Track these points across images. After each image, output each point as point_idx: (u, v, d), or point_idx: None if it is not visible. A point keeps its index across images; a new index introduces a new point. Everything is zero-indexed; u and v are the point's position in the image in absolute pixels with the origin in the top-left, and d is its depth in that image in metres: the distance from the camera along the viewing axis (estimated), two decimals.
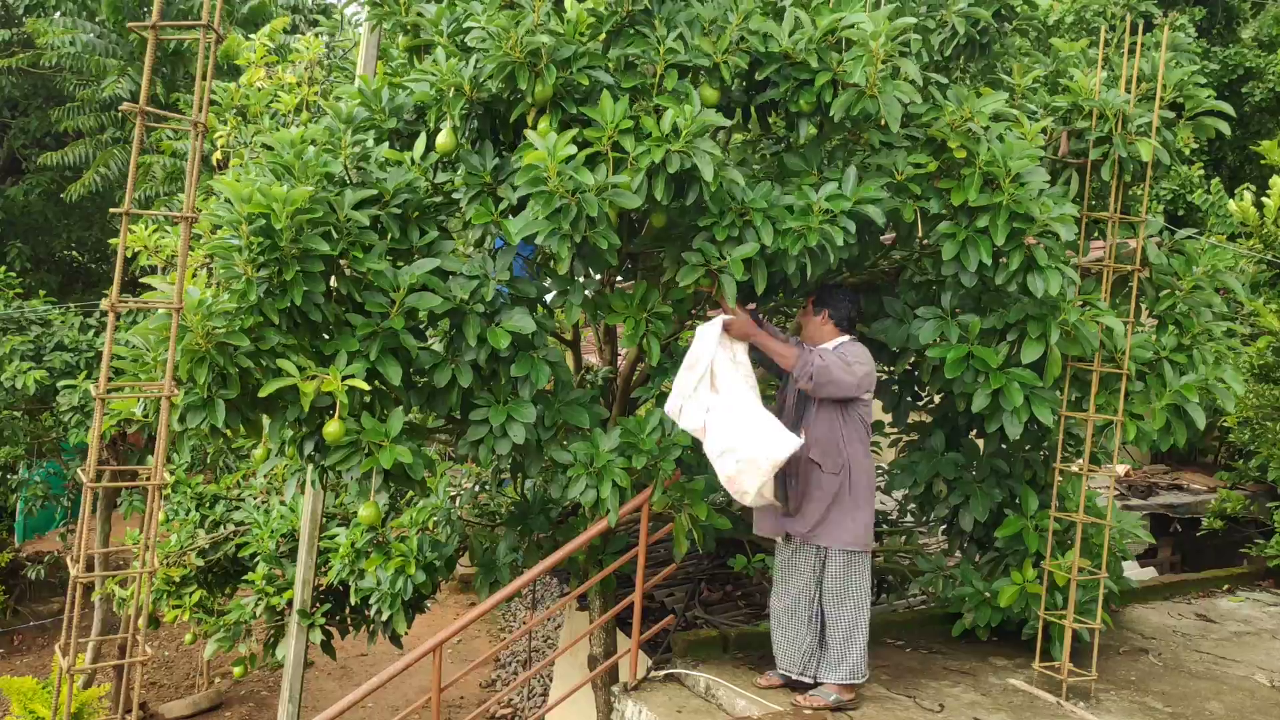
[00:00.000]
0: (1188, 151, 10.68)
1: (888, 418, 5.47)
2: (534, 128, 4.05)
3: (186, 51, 12.74)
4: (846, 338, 4.54)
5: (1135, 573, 7.65)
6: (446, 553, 5.30)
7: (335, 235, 3.99)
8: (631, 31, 4.22)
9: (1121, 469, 9.72)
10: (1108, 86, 4.85)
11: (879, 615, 5.93)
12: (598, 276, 4.61)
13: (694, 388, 4.18)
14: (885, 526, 6.74)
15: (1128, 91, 4.79)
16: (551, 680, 9.80)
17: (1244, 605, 6.84)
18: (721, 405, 4.15)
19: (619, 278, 5.18)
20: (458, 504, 5.74)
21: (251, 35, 6.88)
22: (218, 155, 6.53)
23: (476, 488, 5.98)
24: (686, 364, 4.24)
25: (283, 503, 6.34)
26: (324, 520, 5.97)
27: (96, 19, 13.70)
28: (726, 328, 4.27)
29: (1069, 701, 4.69)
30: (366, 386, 3.99)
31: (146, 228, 6.57)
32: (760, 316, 4.50)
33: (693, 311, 4.82)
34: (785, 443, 4.11)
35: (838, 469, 4.40)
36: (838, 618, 4.47)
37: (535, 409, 4.30)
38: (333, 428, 4.00)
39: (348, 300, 4.16)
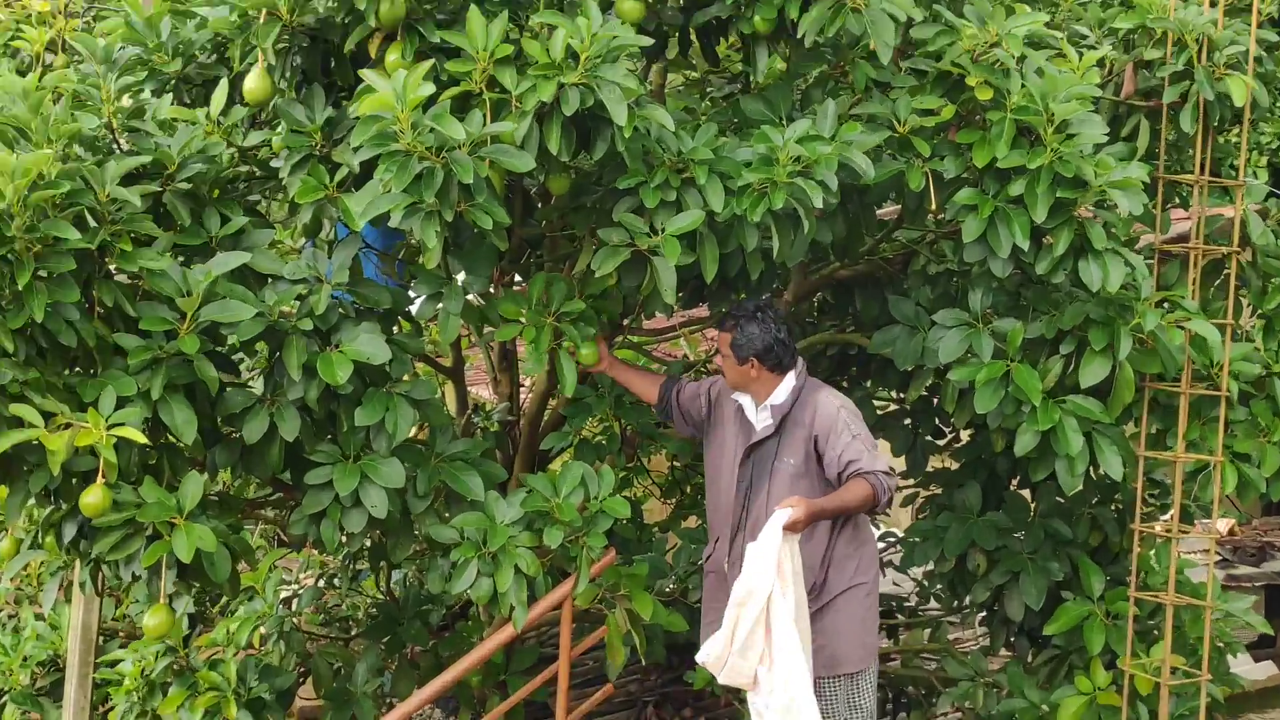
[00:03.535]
0: None
1: (900, 464, 5.49)
2: (381, 62, 4.02)
3: None
4: (794, 377, 4.41)
5: (1247, 669, 7.65)
6: (282, 683, 5.18)
7: (94, 222, 3.91)
8: None
9: (1224, 525, 9.77)
10: (1186, 3, 4.92)
11: None
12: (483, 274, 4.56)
13: (746, 635, 4.06)
14: (900, 617, 6.77)
15: (1213, 7, 4.86)
16: None
17: None
18: (774, 649, 4.08)
19: (517, 276, 5.19)
20: (294, 609, 5.69)
21: None
22: None
23: (322, 584, 5.92)
24: (734, 599, 4.12)
25: (40, 616, 6.20)
26: (101, 640, 5.82)
27: None
28: (789, 528, 4.09)
29: None
30: (144, 439, 3.87)
31: None
32: None
33: (622, 317, 4.83)
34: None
35: (811, 586, 4.32)
36: None
37: (403, 467, 4.21)
38: (93, 498, 3.86)
39: (116, 315, 4.06)
